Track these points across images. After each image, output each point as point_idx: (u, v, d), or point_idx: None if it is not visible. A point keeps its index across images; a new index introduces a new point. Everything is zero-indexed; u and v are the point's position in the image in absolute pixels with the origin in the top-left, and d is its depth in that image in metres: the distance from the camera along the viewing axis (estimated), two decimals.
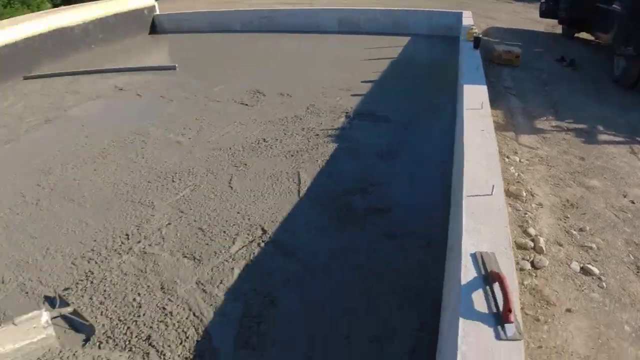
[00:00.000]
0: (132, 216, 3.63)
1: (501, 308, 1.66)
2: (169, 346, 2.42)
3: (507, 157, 4.35)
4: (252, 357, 2.36)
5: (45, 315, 2.09)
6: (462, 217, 2.17)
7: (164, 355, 2.37)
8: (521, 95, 6.09)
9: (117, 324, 2.57)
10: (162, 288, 2.81)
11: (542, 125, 5.12)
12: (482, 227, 2.13)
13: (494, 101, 4.98)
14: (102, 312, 2.68)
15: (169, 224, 3.41)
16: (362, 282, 2.71)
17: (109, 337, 2.52)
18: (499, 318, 1.64)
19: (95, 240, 3.44)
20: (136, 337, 2.50)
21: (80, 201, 4.06)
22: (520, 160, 4.36)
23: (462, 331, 1.58)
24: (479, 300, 1.72)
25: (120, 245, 3.30)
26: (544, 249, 3.04)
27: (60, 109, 6.30)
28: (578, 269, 2.89)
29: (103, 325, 2.60)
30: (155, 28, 12.06)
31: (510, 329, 1.60)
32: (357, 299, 2.61)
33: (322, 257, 2.93)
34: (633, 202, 3.60)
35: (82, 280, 3.05)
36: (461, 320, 1.62)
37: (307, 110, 5.19)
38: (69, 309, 2.54)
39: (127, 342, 2.47)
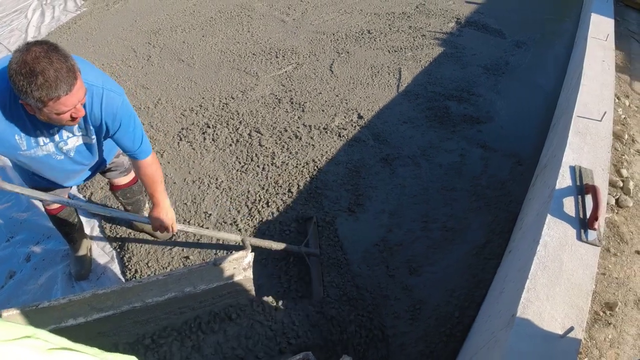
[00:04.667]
0: (238, 82, 3.91)
1: (588, 216, 1.78)
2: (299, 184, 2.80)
3: (618, 99, 4.10)
4: (351, 217, 2.70)
5: (249, 257, 1.96)
6: (569, 133, 2.22)
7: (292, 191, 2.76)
8: None
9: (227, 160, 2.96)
10: (271, 137, 3.14)
11: None
12: (586, 147, 2.17)
13: (614, 41, 4.59)
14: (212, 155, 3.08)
15: (272, 94, 3.67)
16: (445, 178, 2.90)
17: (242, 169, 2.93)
18: (584, 224, 1.77)
19: (203, 98, 3.80)
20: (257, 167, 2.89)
21: (190, 62, 4.39)
22: (629, 105, 4.10)
23: (547, 225, 1.73)
24: (568, 205, 1.84)
25: (226, 105, 3.63)
26: (632, 191, 3.01)
27: None
28: None
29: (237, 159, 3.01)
30: None
31: (592, 234, 1.73)
32: (437, 192, 2.82)
33: (412, 149, 3.11)
34: None
35: (190, 128, 3.46)
36: (549, 217, 1.77)
37: (416, 9, 4.99)
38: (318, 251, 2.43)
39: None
